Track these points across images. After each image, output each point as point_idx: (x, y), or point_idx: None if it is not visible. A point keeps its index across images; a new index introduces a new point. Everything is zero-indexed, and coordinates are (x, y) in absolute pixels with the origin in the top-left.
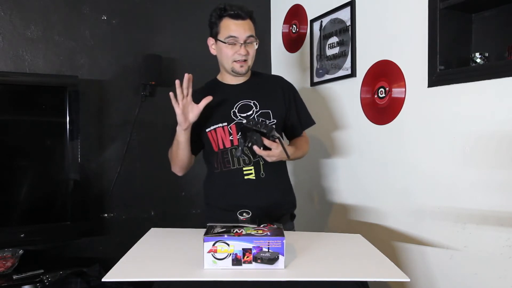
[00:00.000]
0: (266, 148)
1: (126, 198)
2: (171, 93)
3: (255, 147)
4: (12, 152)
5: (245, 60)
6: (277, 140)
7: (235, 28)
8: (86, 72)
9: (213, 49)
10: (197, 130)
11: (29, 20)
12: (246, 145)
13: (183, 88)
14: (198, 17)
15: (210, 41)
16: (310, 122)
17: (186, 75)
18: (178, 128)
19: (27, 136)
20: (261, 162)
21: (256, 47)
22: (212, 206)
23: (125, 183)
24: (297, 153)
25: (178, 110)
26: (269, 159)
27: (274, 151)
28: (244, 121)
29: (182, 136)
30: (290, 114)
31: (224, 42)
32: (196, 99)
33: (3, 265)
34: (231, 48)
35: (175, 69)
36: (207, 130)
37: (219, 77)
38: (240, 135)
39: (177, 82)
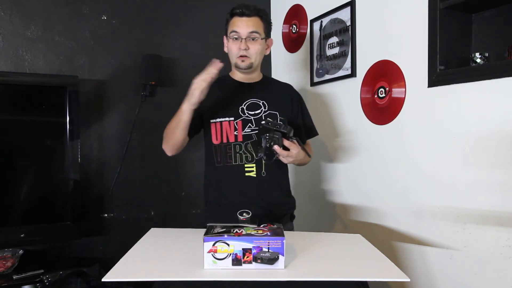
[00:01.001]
0: (284, 148)
1: (126, 198)
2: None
3: (276, 147)
4: (12, 152)
5: (246, 56)
6: (295, 141)
7: (239, 24)
8: (86, 72)
9: (226, 47)
10: (202, 117)
11: (29, 20)
12: (268, 144)
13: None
14: (199, 17)
15: (224, 39)
16: (314, 132)
17: (220, 64)
18: (186, 106)
19: (27, 136)
20: (263, 161)
21: (262, 43)
22: (212, 203)
23: (125, 183)
24: (305, 158)
25: (204, 84)
26: (285, 160)
27: (292, 151)
28: (263, 122)
29: (187, 115)
30: (296, 122)
31: (228, 37)
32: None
33: (3, 265)
34: (234, 43)
35: (175, 69)
36: (211, 121)
37: (230, 74)
38: (258, 135)
39: (217, 62)
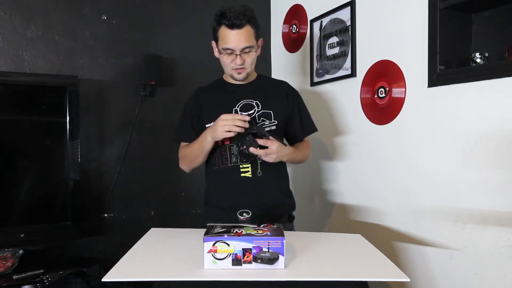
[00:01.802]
0: (262, 148)
1: (126, 198)
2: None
3: (252, 148)
4: (12, 152)
5: (242, 68)
6: (270, 137)
7: (231, 39)
8: (86, 72)
9: (216, 52)
10: (201, 127)
11: (29, 20)
12: (241, 149)
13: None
14: (198, 17)
15: (213, 44)
16: (312, 129)
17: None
18: (210, 139)
19: (27, 136)
20: (258, 161)
21: (256, 54)
22: (210, 204)
23: (125, 183)
24: (296, 153)
25: (236, 129)
26: (268, 159)
27: (271, 148)
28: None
29: (210, 145)
30: (292, 119)
31: (221, 51)
32: (200, 96)
33: (3, 265)
34: (227, 58)
35: (175, 69)
36: (207, 125)
37: (224, 77)
38: (232, 142)
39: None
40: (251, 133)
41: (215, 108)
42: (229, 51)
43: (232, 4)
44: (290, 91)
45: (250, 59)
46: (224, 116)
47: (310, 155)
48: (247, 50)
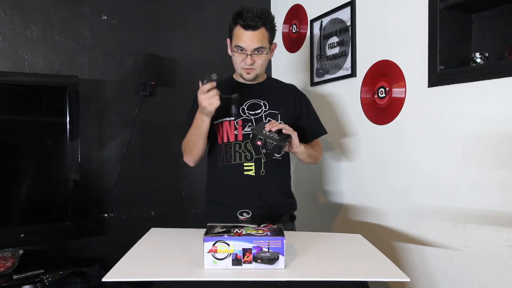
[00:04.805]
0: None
1: (126, 198)
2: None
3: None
4: (12, 152)
5: (251, 68)
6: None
7: (244, 39)
8: (86, 72)
9: (229, 50)
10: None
11: (29, 20)
12: (271, 146)
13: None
14: (199, 17)
15: (228, 42)
16: (321, 131)
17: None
18: (203, 116)
19: (27, 136)
20: (262, 160)
21: (267, 56)
22: (211, 202)
23: (125, 183)
24: (308, 148)
25: (209, 96)
26: (293, 134)
27: (283, 124)
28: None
29: (206, 123)
30: (301, 122)
31: (233, 48)
32: None
33: (3, 265)
34: (239, 56)
35: (175, 69)
36: (214, 122)
37: (234, 76)
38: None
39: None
40: (256, 128)
41: (222, 105)
42: (240, 49)
43: (235, 4)
44: (298, 94)
45: (261, 60)
46: (199, 94)
47: (321, 152)
48: (258, 51)
